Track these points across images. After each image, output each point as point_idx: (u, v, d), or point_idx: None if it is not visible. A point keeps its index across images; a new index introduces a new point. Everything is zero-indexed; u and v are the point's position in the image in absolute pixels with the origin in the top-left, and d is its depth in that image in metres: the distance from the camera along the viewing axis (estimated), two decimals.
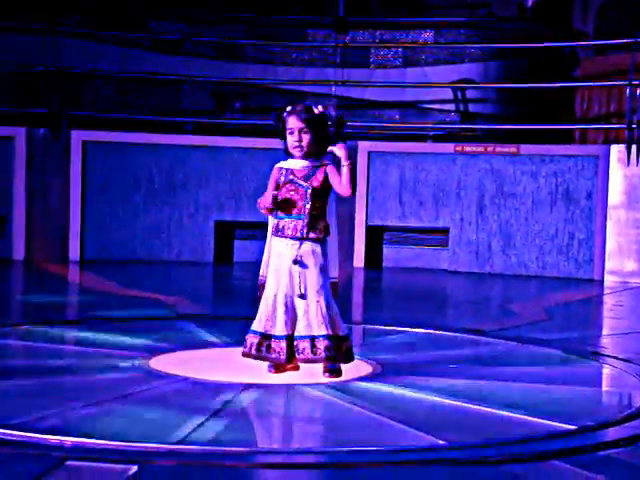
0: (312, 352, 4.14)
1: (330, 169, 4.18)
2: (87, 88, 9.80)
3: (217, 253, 8.96)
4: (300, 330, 4.17)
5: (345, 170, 4.14)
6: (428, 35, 10.30)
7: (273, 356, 4.18)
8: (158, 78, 9.72)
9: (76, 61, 9.33)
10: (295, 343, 4.17)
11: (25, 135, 8.59)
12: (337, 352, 4.17)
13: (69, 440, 3.18)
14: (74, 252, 8.66)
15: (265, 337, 4.18)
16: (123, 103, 9.83)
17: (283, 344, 4.16)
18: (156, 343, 4.90)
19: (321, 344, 4.14)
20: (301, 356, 4.17)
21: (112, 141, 8.82)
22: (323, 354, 4.14)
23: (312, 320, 4.15)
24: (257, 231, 8.66)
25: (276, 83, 10.00)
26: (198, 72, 9.83)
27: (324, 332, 4.14)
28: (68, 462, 3.01)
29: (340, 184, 4.16)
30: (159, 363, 4.43)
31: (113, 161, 8.81)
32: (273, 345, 4.17)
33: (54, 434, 3.23)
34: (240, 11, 10.38)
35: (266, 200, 4.16)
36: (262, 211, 4.22)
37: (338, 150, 4.17)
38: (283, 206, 4.16)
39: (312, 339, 4.14)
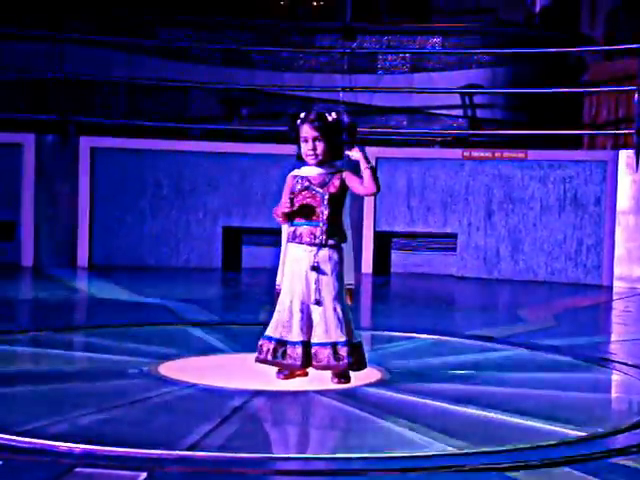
0: (335, 359, 4.13)
1: (347, 174, 4.18)
2: (95, 94, 9.82)
3: (225, 259, 8.97)
4: (320, 337, 4.15)
5: (367, 173, 4.13)
6: (435, 41, 10.30)
7: (289, 362, 4.17)
8: (166, 84, 9.74)
9: (84, 68, 9.36)
10: (314, 350, 4.15)
11: (34, 141, 8.61)
12: (354, 358, 4.17)
13: (78, 447, 3.18)
14: (82, 258, 8.68)
15: (280, 343, 4.17)
16: (131, 109, 9.85)
17: (299, 350, 4.15)
18: (165, 349, 4.90)
19: (343, 351, 4.13)
20: (322, 363, 4.14)
21: (120, 147, 8.84)
22: (345, 360, 4.13)
23: (331, 326, 4.14)
24: (265, 237, 8.68)
25: (284, 87, 10.00)
26: (206, 78, 9.85)
27: (344, 338, 4.14)
28: (77, 469, 3.01)
29: (362, 184, 4.15)
30: (168, 369, 4.43)
31: (121, 167, 8.83)
32: (289, 351, 4.16)
33: (63, 441, 3.23)
34: (247, 17, 10.40)
35: (283, 205, 4.14)
36: (278, 219, 4.19)
37: (355, 153, 4.16)
38: (301, 212, 4.15)
39: (333, 346, 4.13)
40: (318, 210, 4.15)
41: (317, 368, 4.18)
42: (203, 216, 8.95)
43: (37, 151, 8.61)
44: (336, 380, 4.18)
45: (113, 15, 9.91)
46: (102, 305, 6.75)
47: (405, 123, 10.22)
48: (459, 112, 10.12)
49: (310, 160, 4.18)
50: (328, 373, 4.19)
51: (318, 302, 4.15)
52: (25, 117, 9.04)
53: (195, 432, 3.41)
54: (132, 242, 8.83)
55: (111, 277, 8.05)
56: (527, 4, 11.24)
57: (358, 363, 4.20)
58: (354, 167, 4.20)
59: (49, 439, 3.25)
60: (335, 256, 4.18)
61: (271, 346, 4.18)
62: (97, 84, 9.69)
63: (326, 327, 4.14)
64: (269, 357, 4.18)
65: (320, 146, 4.15)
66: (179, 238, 8.91)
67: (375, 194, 4.24)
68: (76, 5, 9.74)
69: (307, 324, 4.17)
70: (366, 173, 4.13)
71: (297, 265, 4.17)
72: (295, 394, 4.07)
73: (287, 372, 4.22)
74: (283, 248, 4.26)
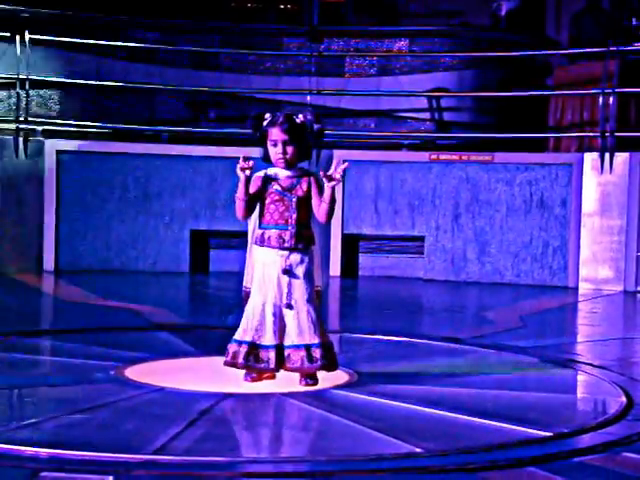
0: (309, 361, 4.14)
1: (313, 183, 4.17)
2: (62, 97, 9.75)
3: (193, 262, 8.94)
4: (293, 339, 4.15)
5: (325, 206, 4.13)
6: (403, 44, 10.34)
7: (262, 365, 4.16)
8: (133, 87, 9.69)
9: (49, 70, 9.29)
10: (287, 353, 4.15)
11: None
12: (329, 360, 4.17)
13: (44, 451, 3.16)
14: (48, 262, 8.61)
15: (253, 346, 4.16)
16: (98, 112, 9.79)
17: (272, 353, 4.15)
18: (132, 353, 4.88)
19: (317, 353, 4.14)
20: (295, 365, 4.15)
21: (86, 150, 8.78)
22: (319, 362, 4.14)
23: (304, 328, 4.14)
24: (233, 240, 8.67)
25: (251, 92, 10.00)
26: (173, 81, 9.82)
27: (317, 340, 4.14)
28: (43, 473, 2.98)
29: (318, 208, 4.16)
30: (135, 373, 4.41)
31: (87, 171, 8.77)
32: (261, 355, 4.15)
33: (29, 445, 3.21)
34: (215, 20, 10.38)
35: (240, 192, 4.11)
36: (239, 213, 4.16)
37: (327, 188, 4.14)
38: (270, 215, 4.13)
39: (307, 348, 4.14)
40: (287, 214, 4.15)
41: (290, 370, 4.18)
42: (170, 219, 8.91)
43: (2, 154, 8.52)
44: (304, 382, 4.18)
45: (80, 17, 9.84)
46: (68, 309, 6.70)
47: (373, 126, 10.24)
48: (426, 115, 10.16)
49: (280, 164, 4.18)
50: (296, 376, 4.20)
51: (290, 306, 4.15)
52: None
53: (162, 435, 3.39)
54: (99, 246, 8.77)
55: (78, 281, 7.99)
56: (493, 8, 11.31)
57: (330, 364, 4.21)
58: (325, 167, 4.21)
59: (14, 444, 3.22)
60: (306, 259, 4.19)
61: (243, 349, 4.16)
62: (63, 86, 9.62)
63: (299, 330, 4.15)
64: (240, 360, 4.16)
65: (290, 149, 4.15)
66: (146, 241, 8.87)
67: (324, 224, 4.24)
68: (43, 6, 9.66)
69: (280, 327, 4.17)
70: (324, 203, 4.12)
71: (268, 269, 4.17)
72: (263, 397, 4.07)
73: (255, 375, 4.21)
74: (249, 250, 4.26)
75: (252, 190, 4.17)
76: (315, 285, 4.25)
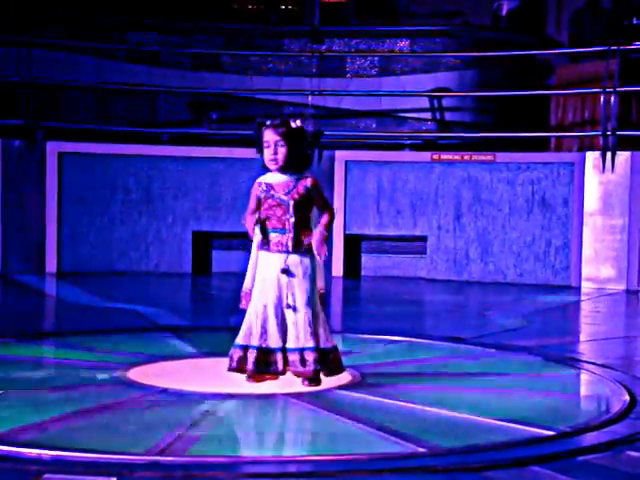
0: (301, 364, 4.13)
1: (313, 186, 4.16)
2: (63, 99, 9.76)
3: (195, 264, 8.94)
4: (290, 342, 4.15)
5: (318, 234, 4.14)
6: (404, 44, 10.34)
7: (272, 369, 4.16)
8: (135, 89, 9.70)
9: (52, 72, 9.30)
10: (287, 355, 4.16)
11: (0, 146, 8.54)
12: (324, 364, 4.16)
13: (47, 453, 3.16)
14: (51, 264, 8.62)
15: (261, 351, 4.14)
16: (100, 114, 9.79)
17: (279, 355, 4.15)
18: (135, 354, 4.88)
19: (310, 356, 4.13)
20: (291, 368, 4.16)
21: (88, 152, 8.79)
22: (312, 367, 4.13)
23: (300, 332, 4.14)
24: (235, 241, 8.67)
25: (253, 91, 10.00)
26: (175, 83, 9.82)
27: (311, 344, 4.13)
28: (46, 475, 2.98)
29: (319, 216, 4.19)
30: (138, 374, 4.40)
31: (89, 172, 8.78)
32: (270, 358, 4.15)
33: (32, 447, 3.21)
34: (216, 22, 10.39)
35: (248, 223, 4.15)
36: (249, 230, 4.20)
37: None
38: (268, 220, 4.15)
39: (301, 351, 4.13)
40: (284, 218, 4.15)
41: (291, 373, 4.18)
42: (173, 221, 8.92)
43: (4, 156, 8.53)
44: (306, 383, 4.17)
45: (82, 19, 9.85)
46: (71, 311, 6.70)
47: (374, 126, 10.24)
48: (428, 115, 10.17)
49: (271, 166, 4.18)
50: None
51: (290, 307, 4.14)
52: None
53: (165, 436, 3.39)
54: (101, 247, 8.78)
55: (80, 283, 8.00)
56: (494, 8, 11.31)
57: (330, 368, 4.20)
58: (322, 174, 4.21)
59: (17, 446, 3.22)
60: (306, 260, 4.18)
61: (251, 355, 4.13)
62: (65, 89, 9.63)
63: (296, 332, 4.14)
64: (251, 367, 4.14)
65: (282, 151, 4.14)
66: (149, 243, 8.87)
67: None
68: (45, 9, 9.67)
69: (282, 329, 4.16)
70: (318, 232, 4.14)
71: (268, 271, 4.17)
72: (265, 397, 4.06)
73: (256, 376, 4.21)
74: (253, 253, 4.25)
75: (253, 200, 4.19)
76: (318, 288, 4.24)
